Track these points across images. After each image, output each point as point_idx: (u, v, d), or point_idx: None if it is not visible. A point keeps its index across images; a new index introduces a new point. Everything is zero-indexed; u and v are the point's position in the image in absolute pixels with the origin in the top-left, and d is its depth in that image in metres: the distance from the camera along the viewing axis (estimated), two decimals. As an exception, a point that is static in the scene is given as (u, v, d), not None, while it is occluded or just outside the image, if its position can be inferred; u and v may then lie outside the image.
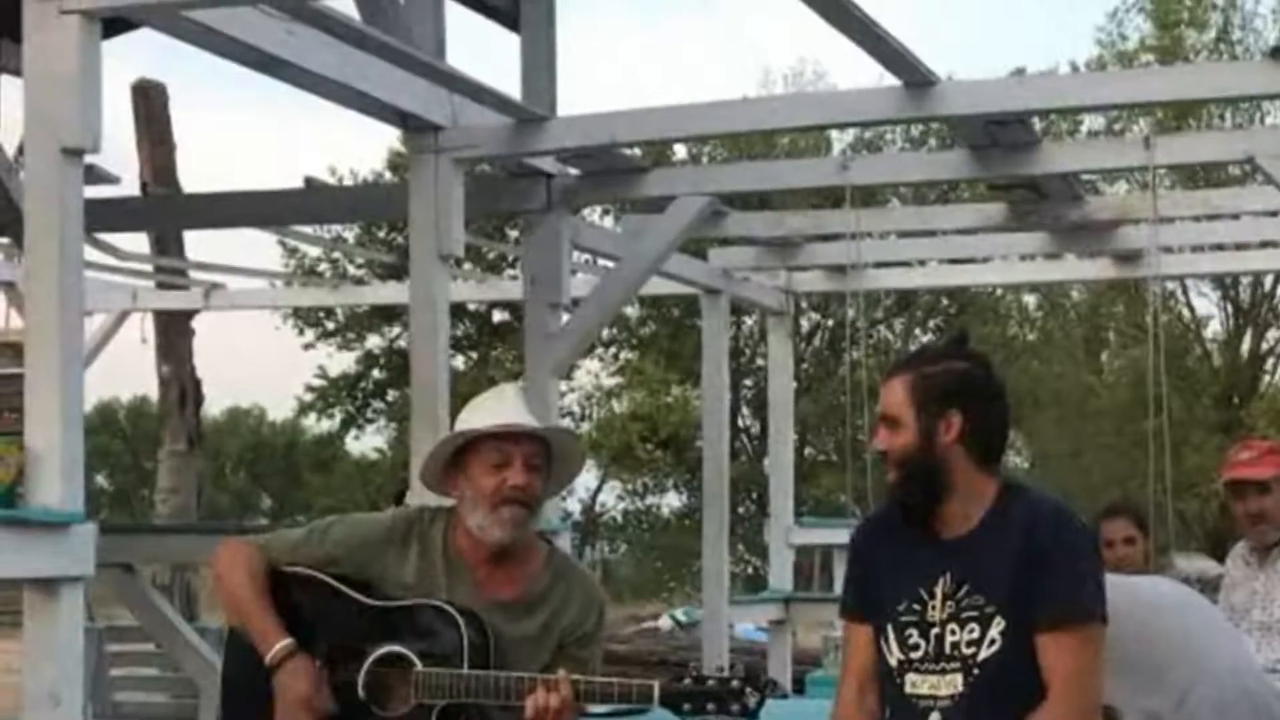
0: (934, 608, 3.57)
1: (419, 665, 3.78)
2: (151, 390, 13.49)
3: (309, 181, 7.72)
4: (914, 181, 9.46)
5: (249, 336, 56.71)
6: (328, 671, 3.86)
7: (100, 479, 49.83)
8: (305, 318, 35.50)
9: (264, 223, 8.46)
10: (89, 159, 7.90)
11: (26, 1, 4.87)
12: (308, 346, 36.31)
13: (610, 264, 8.26)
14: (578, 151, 7.02)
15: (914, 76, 6.08)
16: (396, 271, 13.42)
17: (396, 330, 34.42)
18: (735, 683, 3.64)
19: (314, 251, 32.60)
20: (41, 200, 4.94)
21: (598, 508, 40.37)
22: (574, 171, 7.36)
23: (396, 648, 3.82)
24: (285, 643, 3.83)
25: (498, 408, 3.94)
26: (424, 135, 6.56)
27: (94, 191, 8.24)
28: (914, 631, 3.58)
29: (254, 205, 7.97)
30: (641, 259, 7.66)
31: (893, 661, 3.61)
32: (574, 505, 40.28)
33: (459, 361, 36.31)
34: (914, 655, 3.57)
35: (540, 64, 6.76)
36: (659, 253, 7.66)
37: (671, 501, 39.06)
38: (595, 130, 6.72)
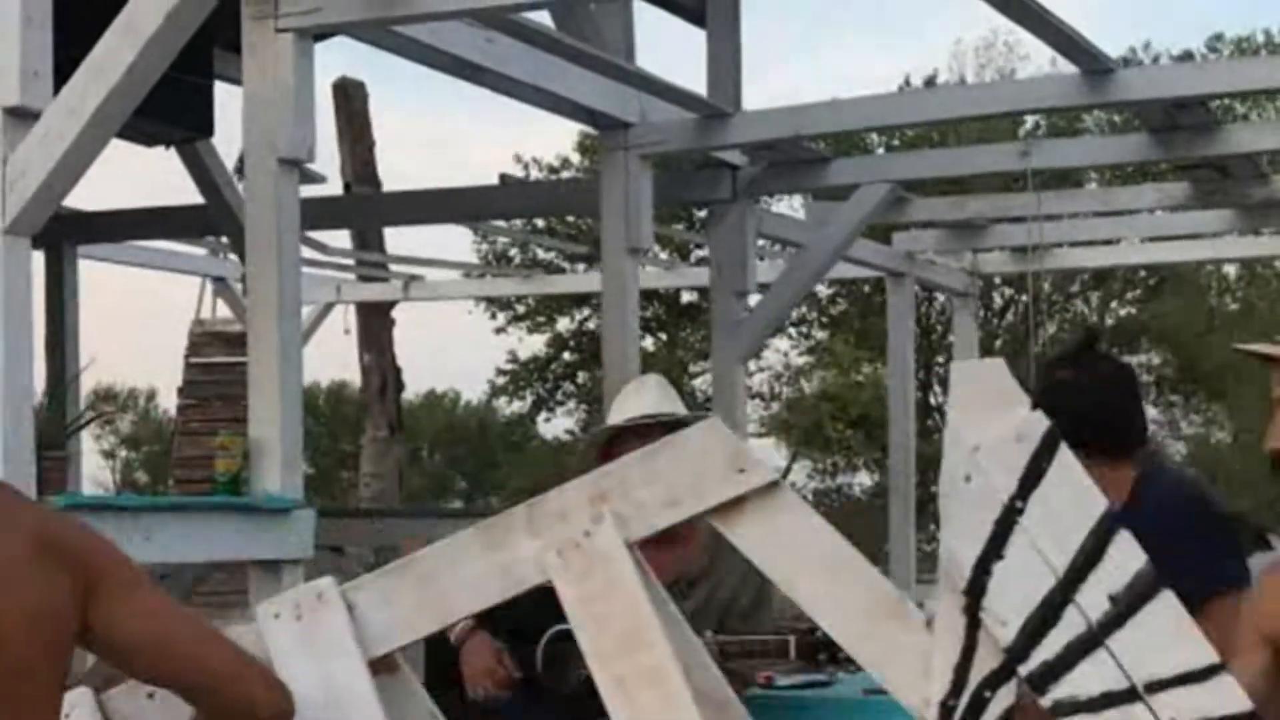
0: None
1: None
2: (349, 375, 13.99)
3: (503, 178, 8.01)
4: (1094, 165, 9.47)
5: (443, 322, 57.69)
6: (507, 650, 4.14)
7: (305, 466, 51.12)
8: (496, 302, 36.10)
9: (461, 218, 8.80)
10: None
11: (245, 20, 5.19)
12: (499, 330, 36.95)
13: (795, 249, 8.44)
14: (762, 144, 7.20)
15: (1092, 64, 6.17)
16: (586, 257, 13.67)
17: (585, 313, 34.83)
18: None
19: (504, 239, 33.20)
20: (261, 208, 5.28)
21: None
22: (758, 163, 7.54)
23: (568, 626, 4.09)
24: (466, 622, 4.11)
25: (638, 400, 4.18)
26: (614, 133, 6.80)
27: (302, 192, 8.66)
28: None
29: (451, 201, 8.29)
30: (825, 246, 7.83)
31: None
32: (765, 485, 40.39)
33: (648, 342, 36.63)
34: None
35: (726, 60, 6.95)
36: (842, 240, 7.83)
37: (862, 481, 39.00)
38: (779, 124, 6.91)
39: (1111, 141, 8.82)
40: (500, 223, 10.53)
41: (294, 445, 5.23)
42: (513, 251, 32.68)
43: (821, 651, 3.83)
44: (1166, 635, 2.39)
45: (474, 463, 50.18)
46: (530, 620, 4.14)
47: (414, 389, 50.84)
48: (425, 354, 57.04)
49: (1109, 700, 2.36)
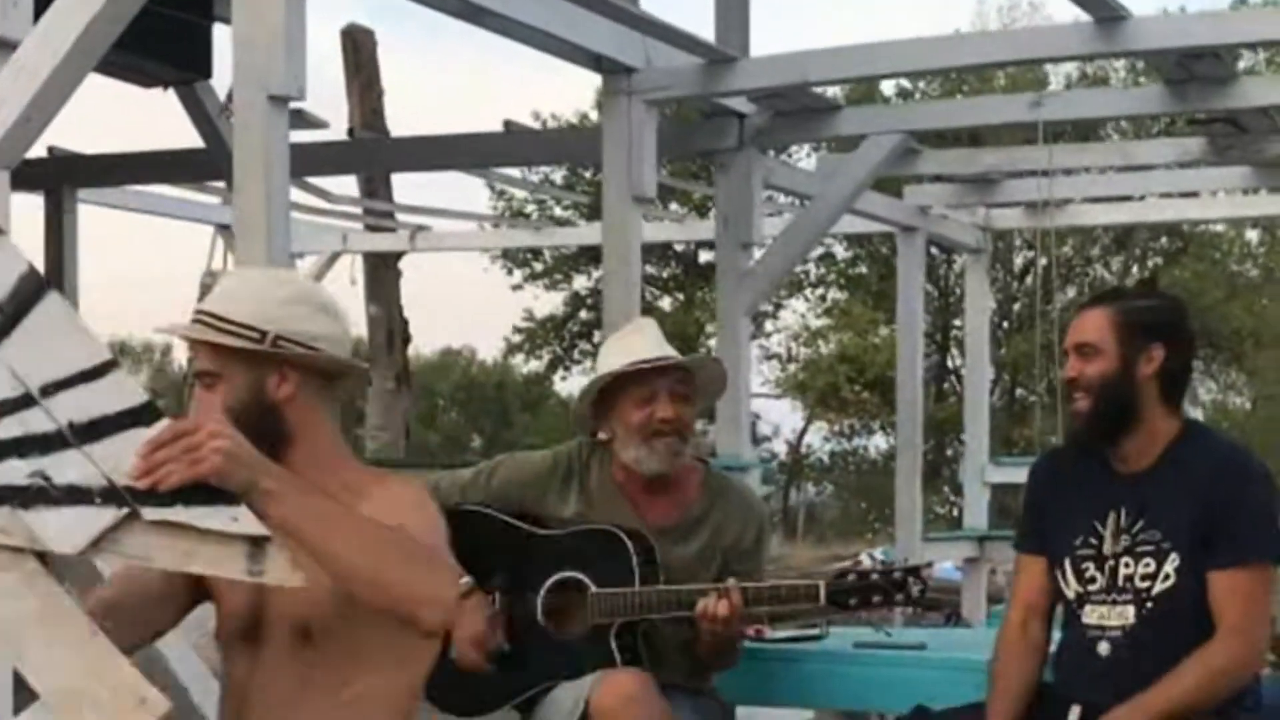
0: (1108, 541, 3.63)
1: (593, 588, 3.94)
2: (360, 330, 13.89)
3: (508, 125, 7.90)
4: (1108, 117, 9.32)
5: (462, 278, 57.62)
6: (507, 601, 4.04)
7: (318, 417, 51.09)
8: (513, 259, 36.00)
9: (466, 165, 8.67)
10: (298, 105, 8.22)
11: (233, -47, 5.06)
12: (515, 288, 36.89)
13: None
14: (770, 91, 7.08)
15: (1104, 11, 6.03)
16: (600, 213, 13.56)
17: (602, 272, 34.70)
18: (898, 574, 3.75)
19: (520, 195, 33.08)
20: (249, 147, 5.13)
21: (803, 449, 40.37)
22: (766, 111, 7.42)
23: (570, 573, 3.99)
24: (463, 580, 4.01)
25: (637, 344, 4.08)
26: (617, 78, 6.67)
27: (303, 136, 8.54)
28: (1090, 565, 3.65)
29: (456, 148, 8.17)
30: (833, 198, 7.70)
31: (1070, 594, 3.69)
32: (780, 446, 40.43)
33: (665, 303, 36.55)
34: (1091, 588, 3.65)
35: (734, 4, 6.83)
36: (851, 191, 7.70)
37: (878, 443, 38.94)
38: (786, 70, 6.77)
39: (1125, 94, 8.66)
40: (511, 172, 10.40)
41: (284, 389, 5.13)
42: (529, 208, 32.56)
43: (852, 596, 3.75)
44: (57, 337, 2.32)
45: (490, 421, 50.21)
46: (529, 569, 4.05)
47: (429, 346, 50.92)
48: (440, 310, 56.96)
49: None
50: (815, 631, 4.55)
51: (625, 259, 6.79)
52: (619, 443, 4.05)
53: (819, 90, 7.37)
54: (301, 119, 8.29)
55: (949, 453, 33.81)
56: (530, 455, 4.27)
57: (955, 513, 31.41)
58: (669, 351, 4.05)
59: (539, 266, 36.75)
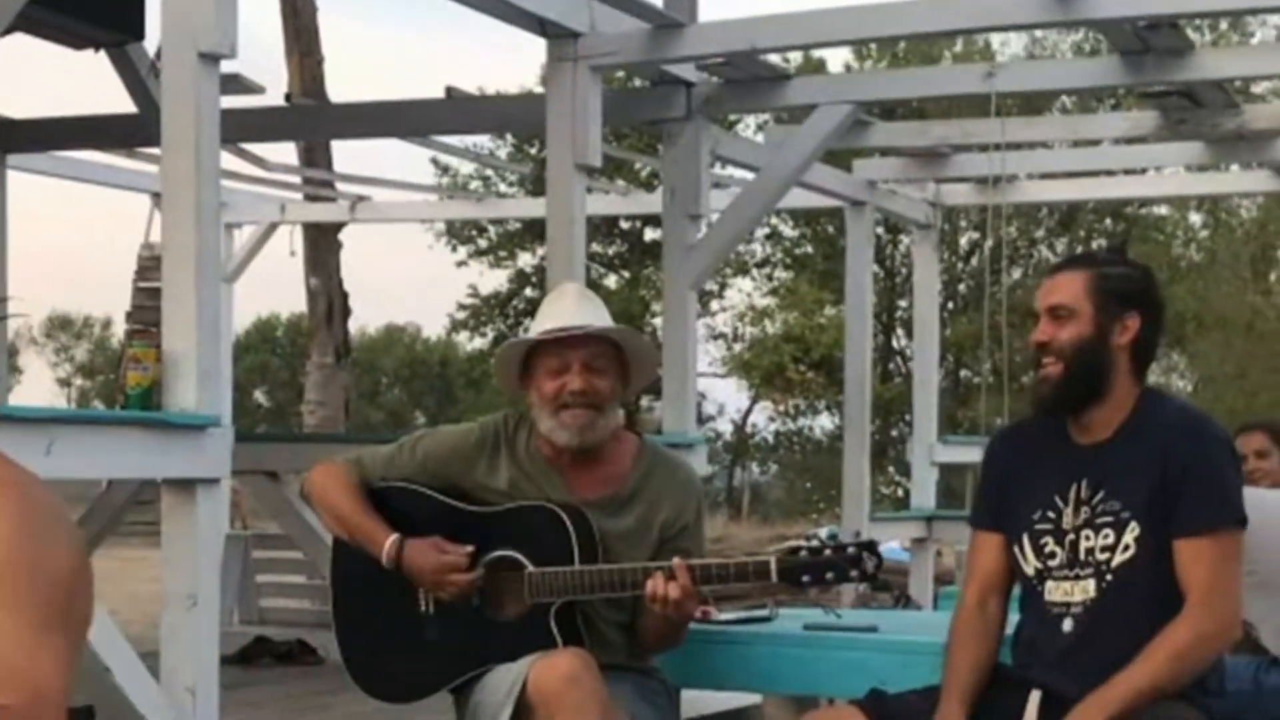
0: (1068, 514, 3.50)
1: (530, 567, 3.77)
2: (299, 303, 13.68)
3: (450, 91, 7.69)
4: (1063, 89, 9.20)
5: (406, 255, 57.30)
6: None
7: (259, 395, 50.81)
8: (458, 236, 35.79)
9: (406, 133, 8.46)
10: (235, 68, 7.99)
11: (162, -96, 4.86)
12: (460, 264, 36.67)
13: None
14: (718, 59, 6.92)
15: (1062, -21, 5.89)
16: (544, 187, 13.36)
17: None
18: (851, 549, 3.59)
19: (465, 169, 32.84)
20: (178, 107, 4.93)
21: (749, 429, 40.36)
22: (715, 80, 7.26)
23: (506, 552, 3.81)
24: (392, 538, 3.84)
25: (557, 311, 3.92)
26: (562, 42, 6.50)
27: (240, 101, 8.32)
28: (1049, 540, 3.52)
29: (396, 115, 7.97)
30: (781, 170, 7.54)
31: (1029, 570, 3.54)
32: (725, 426, 40.40)
33: (611, 280, 36.40)
34: (1051, 563, 3.51)
35: (681, -33, 6.66)
36: (799, 163, 7.54)
37: (823, 423, 38.97)
38: (734, 36, 6.61)
39: (1080, 65, 8.54)
40: (455, 143, 10.17)
41: (211, 359, 4.93)
42: (474, 184, 32.32)
43: (805, 573, 3.58)
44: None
45: (433, 398, 49.99)
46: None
47: (374, 323, 50.63)
48: (385, 287, 56.66)
49: None
50: (764, 613, 4.40)
51: (569, 229, 6.62)
52: (535, 413, 3.89)
53: (768, 59, 7.22)
54: (237, 83, 8.08)
55: (894, 433, 33.86)
56: (454, 428, 4.09)
57: (900, 493, 31.44)
58: (590, 320, 3.87)
59: (484, 243, 36.54)
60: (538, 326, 3.92)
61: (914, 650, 3.93)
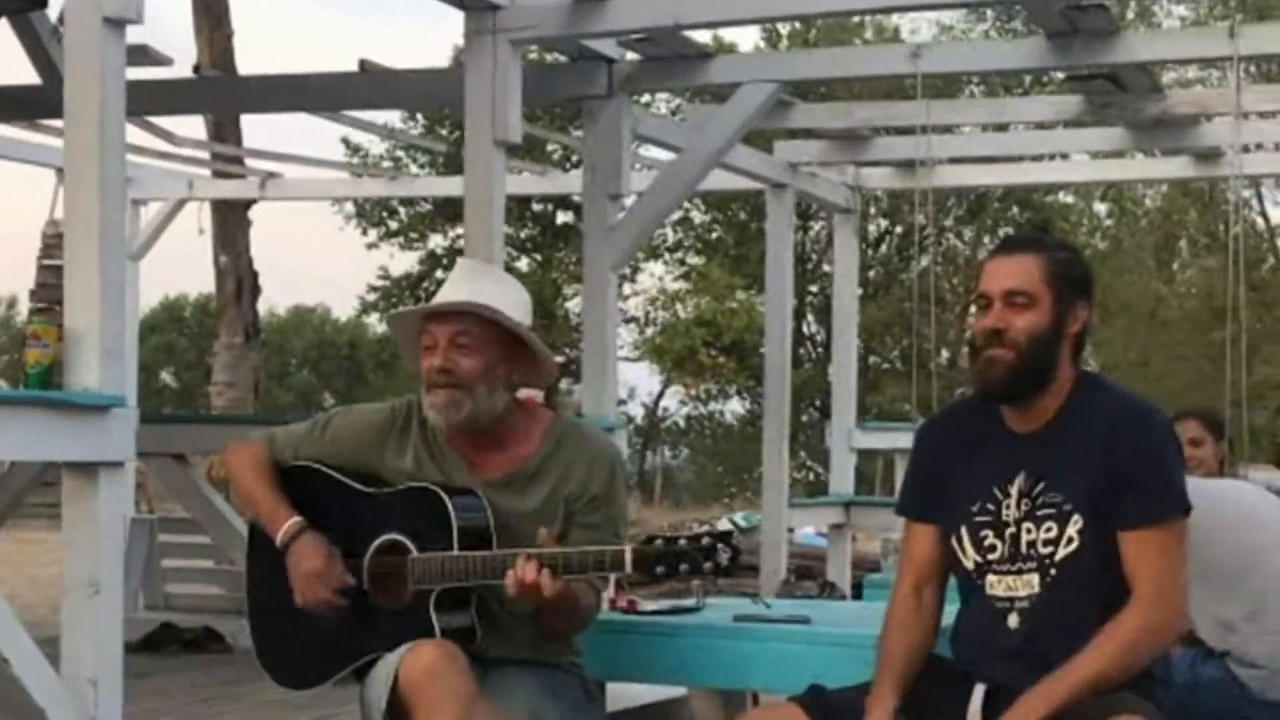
0: (1009, 507, 3.38)
1: (414, 551, 3.64)
2: (207, 282, 13.41)
3: (364, 65, 7.49)
4: (989, 70, 9.13)
5: (316, 236, 56.78)
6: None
7: (166, 376, 50.18)
8: (369, 217, 35.46)
9: (317, 107, 8.25)
10: (142, 39, 7.75)
11: None
12: (371, 246, 36.32)
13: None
14: (640, 34, 6.78)
15: (992, -43, 5.80)
16: (457, 166, 13.17)
17: (460, 230, 34.29)
18: (706, 540, 3.53)
19: (377, 150, 32.51)
20: (82, 73, 4.73)
21: (660, 413, 40.30)
22: (636, 57, 7.13)
23: (394, 535, 3.68)
24: (294, 520, 3.72)
25: (444, 288, 3.79)
26: (481, 16, 6.34)
27: (146, 73, 8.08)
28: (989, 532, 3.40)
29: (307, 88, 7.76)
30: (703, 150, 7.41)
31: (969, 564, 3.43)
32: (637, 410, 40.31)
33: (523, 263, 36.19)
34: (991, 557, 3.40)
35: (603, -60, 6.51)
36: (721, 143, 7.41)
37: (734, 408, 38.98)
38: (656, 11, 6.47)
39: (1007, 46, 8.46)
40: (365, 118, 9.91)
41: (115, 337, 4.72)
42: (385, 165, 32.00)
43: (659, 564, 3.46)
44: None
45: (344, 380, 49.56)
46: (358, 530, 3.73)
47: (283, 302, 50.13)
48: (294, 267, 56.14)
49: None
50: (692, 603, 4.27)
51: (488, 208, 6.46)
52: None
53: (691, 37, 7.08)
54: (145, 55, 7.85)
55: (804, 419, 33.91)
56: (366, 408, 3.97)
57: (812, 478, 31.52)
58: (468, 296, 3.72)
59: (394, 225, 36.21)
60: (439, 297, 3.80)
61: (847, 643, 3.82)
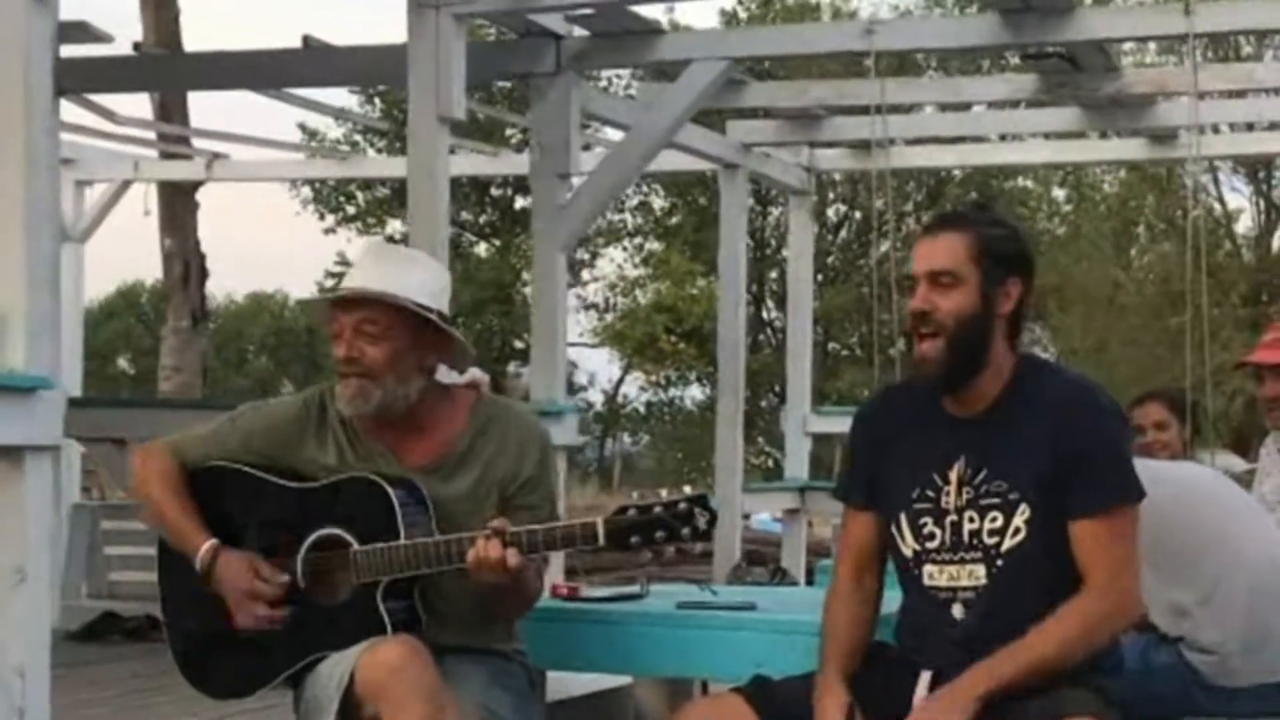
0: (949, 494, 3.27)
1: (355, 545, 3.49)
2: (155, 266, 13.21)
3: (307, 41, 7.35)
4: (943, 48, 9.04)
5: (273, 221, 56.45)
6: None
7: (122, 361, 49.84)
8: (325, 202, 35.23)
9: (261, 85, 8.09)
10: (79, 15, 7.57)
11: None
12: (328, 231, 36.09)
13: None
14: (587, 8, 6.66)
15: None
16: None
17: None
18: (683, 505, 3.34)
19: (333, 134, 32.28)
20: (4, 44, 4.59)
21: (620, 399, 40.23)
22: (585, 33, 7.00)
23: (330, 530, 3.53)
24: (209, 544, 3.56)
25: (353, 272, 3.64)
26: (425, -10, 6.21)
27: (86, 50, 7.91)
28: (929, 520, 3.29)
29: (250, 65, 7.61)
30: (653, 128, 7.29)
31: (907, 552, 3.32)
32: (596, 396, 40.24)
33: (481, 249, 36.02)
34: (930, 545, 3.29)
35: (548, -90, 6.40)
36: (672, 121, 7.29)
37: (694, 394, 38.90)
38: (605, -15, 6.37)
39: (960, 23, 8.39)
40: (312, 98, 9.72)
41: (42, 317, 4.57)
42: (343, 149, 31.78)
43: (633, 534, 3.32)
44: None
45: (302, 365, 49.29)
46: (286, 528, 3.58)
47: (240, 288, 49.83)
48: (251, 253, 55.83)
49: None
50: (635, 589, 4.15)
51: (432, 187, 6.34)
52: None
53: (639, 13, 6.96)
54: (84, 32, 7.69)
55: (763, 404, 33.86)
56: (277, 402, 3.81)
57: (770, 464, 31.47)
58: (371, 283, 3.57)
59: (351, 210, 35.98)
60: (346, 281, 3.65)
61: (793, 630, 3.72)
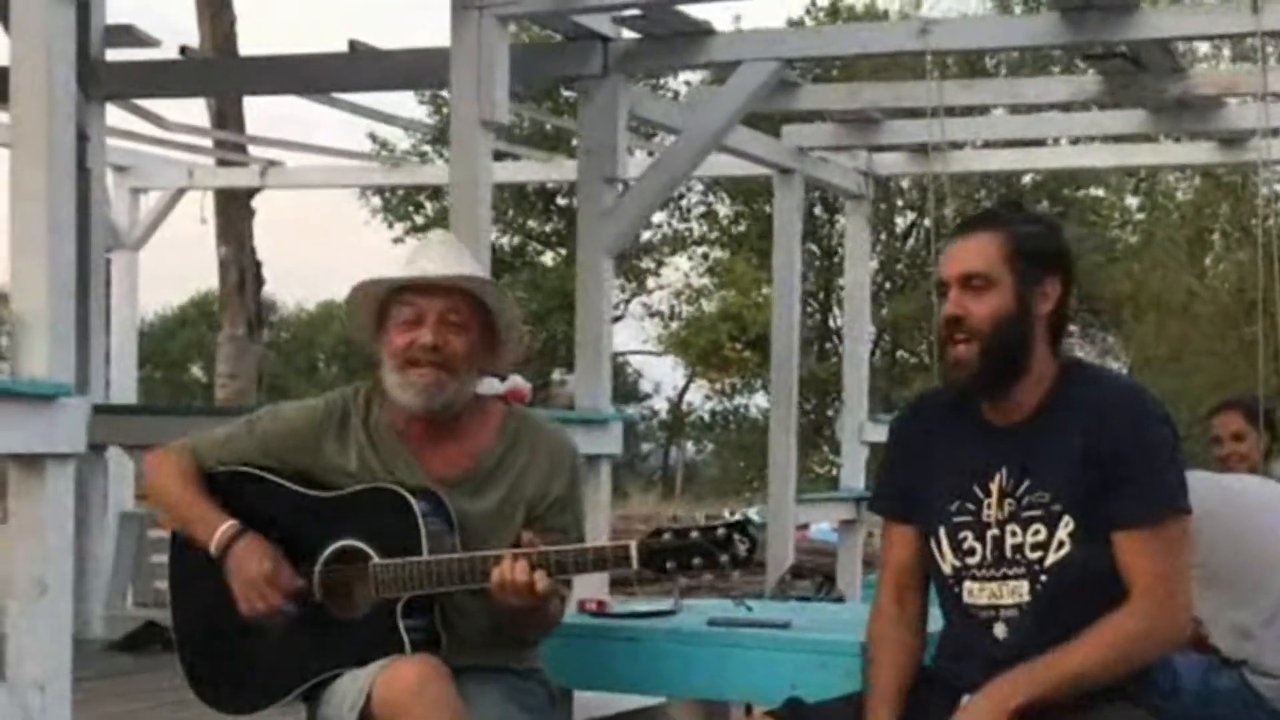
0: (989, 506, 3.09)
1: (376, 558, 3.33)
2: (210, 276, 13.18)
3: (353, 45, 7.25)
4: (1001, 47, 8.85)
5: (340, 229, 56.78)
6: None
7: (195, 370, 50.17)
8: (395, 212, 35.27)
9: (307, 88, 8.01)
10: (127, 19, 7.51)
11: None
12: (396, 240, 36.10)
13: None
14: (634, 9, 6.53)
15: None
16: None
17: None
18: (721, 531, 3.16)
19: (403, 145, 32.29)
20: (28, 36, 4.49)
21: (684, 407, 40.08)
22: (632, 35, 6.87)
23: (350, 541, 3.37)
24: (229, 524, 3.40)
25: (420, 259, 3.46)
26: (468, -9, 6.09)
27: (133, 55, 7.86)
28: (969, 535, 3.11)
29: (296, 70, 7.52)
30: (702, 131, 7.14)
31: (947, 569, 3.14)
32: (661, 404, 40.09)
33: (547, 258, 35.98)
34: (970, 561, 3.10)
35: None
36: (721, 124, 7.14)
37: (759, 402, 38.68)
38: (652, -16, 6.23)
39: (1018, 22, 8.18)
40: (362, 103, 9.62)
41: (64, 322, 4.47)
42: (413, 158, 31.80)
43: (668, 559, 3.15)
44: None
45: (372, 375, 49.45)
46: (304, 537, 3.43)
47: (310, 298, 50.07)
48: (324, 263, 56.18)
49: None
50: (668, 605, 3.97)
51: (474, 192, 6.21)
52: (384, 371, 3.45)
53: (689, 14, 6.81)
54: (130, 35, 7.64)
55: (830, 413, 33.64)
56: (298, 405, 3.63)
57: (834, 473, 31.20)
58: (453, 269, 3.42)
59: (420, 219, 36.01)
60: (393, 272, 3.48)
61: (829, 650, 3.54)
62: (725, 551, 3.15)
